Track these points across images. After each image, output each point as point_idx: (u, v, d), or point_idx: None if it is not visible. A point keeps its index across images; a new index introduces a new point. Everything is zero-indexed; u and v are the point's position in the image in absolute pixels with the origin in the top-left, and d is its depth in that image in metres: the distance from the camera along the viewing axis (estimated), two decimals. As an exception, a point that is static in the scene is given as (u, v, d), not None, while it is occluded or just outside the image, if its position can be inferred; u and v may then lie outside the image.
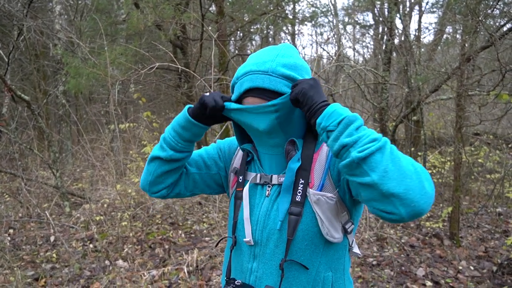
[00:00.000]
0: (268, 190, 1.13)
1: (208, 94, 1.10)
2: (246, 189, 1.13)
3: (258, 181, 1.14)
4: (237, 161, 1.24)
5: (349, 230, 1.08)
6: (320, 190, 1.05)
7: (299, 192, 1.05)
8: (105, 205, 5.07)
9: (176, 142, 1.15)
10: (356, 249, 1.16)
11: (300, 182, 1.05)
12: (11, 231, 4.84)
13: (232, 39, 7.99)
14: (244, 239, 1.12)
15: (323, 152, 1.10)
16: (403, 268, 3.78)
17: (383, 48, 7.37)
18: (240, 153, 1.25)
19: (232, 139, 1.32)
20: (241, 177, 1.17)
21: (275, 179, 1.11)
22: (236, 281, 1.11)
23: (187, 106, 1.16)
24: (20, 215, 5.34)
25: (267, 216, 1.09)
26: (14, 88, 4.94)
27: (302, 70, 1.09)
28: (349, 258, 1.18)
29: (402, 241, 4.42)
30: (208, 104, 1.08)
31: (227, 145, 1.31)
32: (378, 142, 0.87)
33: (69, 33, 7.16)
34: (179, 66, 4.09)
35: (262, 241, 1.10)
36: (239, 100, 1.10)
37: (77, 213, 5.08)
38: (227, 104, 1.09)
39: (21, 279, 3.39)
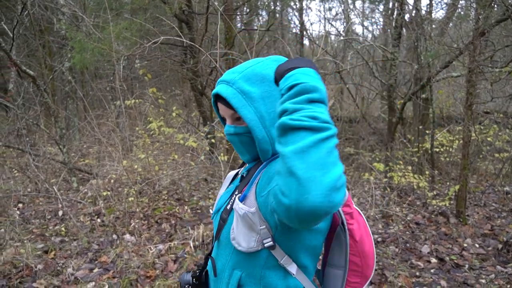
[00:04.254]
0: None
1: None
2: (228, 175, 1.28)
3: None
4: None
5: (266, 245, 1.00)
6: (241, 201, 1.05)
7: (231, 202, 1.10)
8: (112, 181, 5.11)
9: None
10: (292, 270, 1.04)
11: (236, 193, 1.09)
12: (20, 205, 4.92)
13: (238, 13, 7.82)
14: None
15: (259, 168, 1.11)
16: (408, 245, 3.80)
17: (393, 23, 7.17)
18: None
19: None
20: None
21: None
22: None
23: None
24: (28, 190, 5.42)
25: (220, 208, 1.18)
26: (19, 63, 4.91)
27: (269, 83, 1.03)
28: (280, 274, 1.06)
29: (408, 218, 4.42)
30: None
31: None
32: (319, 122, 0.77)
33: (73, 7, 7.04)
34: (185, 40, 4.02)
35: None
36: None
37: (85, 188, 5.13)
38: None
39: (31, 251, 3.46)
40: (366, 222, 1.17)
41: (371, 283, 3.10)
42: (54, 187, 4.76)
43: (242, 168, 1.27)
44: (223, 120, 1.17)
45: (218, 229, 1.12)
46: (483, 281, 3.12)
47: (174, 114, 5.71)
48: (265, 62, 1.06)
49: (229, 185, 1.26)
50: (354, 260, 1.11)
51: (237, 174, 1.29)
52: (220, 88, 1.05)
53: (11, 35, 5.60)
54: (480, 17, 3.55)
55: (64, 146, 5.39)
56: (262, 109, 1.01)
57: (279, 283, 1.05)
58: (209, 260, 1.18)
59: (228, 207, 1.10)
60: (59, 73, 8.63)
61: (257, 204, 1.00)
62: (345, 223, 1.09)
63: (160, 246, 3.65)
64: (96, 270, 3.31)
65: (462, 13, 7.85)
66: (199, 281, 1.21)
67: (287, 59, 1.04)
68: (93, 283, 3.09)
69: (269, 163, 1.05)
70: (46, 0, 7.43)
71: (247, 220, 1.01)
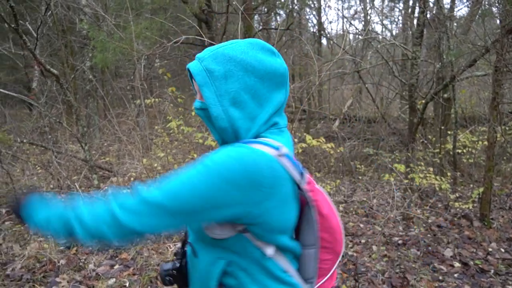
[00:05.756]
0: None
1: None
2: None
3: None
4: None
5: (239, 229, 1.00)
6: None
7: None
8: (132, 179, 5.17)
9: None
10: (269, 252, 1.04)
11: None
12: (43, 201, 5.02)
13: (257, 13, 7.82)
14: None
15: None
16: (430, 248, 3.72)
17: (415, 21, 7.04)
18: None
19: None
20: None
21: None
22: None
23: None
24: (51, 186, 5.53)
25: None
26: (43, 62, 5.01)
27: (230, 64, 1.03)
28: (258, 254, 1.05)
29: (429, 221, 4.33)
30: None
31: None
32: None
33: (95, 7, 7.17)
34: (206, 39, 4.03)
35: None
36: None
37: (105, 185, 5.21)
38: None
39: (54, 246, 3.53)
40: (328, 197, 1.15)
41: (393, 286, 3.05)
42: (75, 184, 4.85)
43: None
44: None
45: None
46: (510, 287, 3.02)
47: (193, 113, 5.74)
48: (241, 44, 1.07)
49: None
50: (323, 237, 1.10)
51: None
52: (191, 64, 1.09)
53: (35, 35, 5.72)
54: (507, 14, 3.44)
55: (85, 143, 5.47)
56: (223, 88, 1.03)
57: (257, 265, 1.05)
58: (188, 246, 1.18)
59: None
60: (81, 72, 8.80)
61: None
62: (311, 200, 1.07)
63: (179, 244, 3.67)
64: (116, 266, 3.36)
65: (485, 8, 7.64)
66: (180, 271, 1.20)
67: (264, 42, 1.08)
68: (114, 279, 3.13)
69: None
70: (68, 0, 7.59)
71: None
